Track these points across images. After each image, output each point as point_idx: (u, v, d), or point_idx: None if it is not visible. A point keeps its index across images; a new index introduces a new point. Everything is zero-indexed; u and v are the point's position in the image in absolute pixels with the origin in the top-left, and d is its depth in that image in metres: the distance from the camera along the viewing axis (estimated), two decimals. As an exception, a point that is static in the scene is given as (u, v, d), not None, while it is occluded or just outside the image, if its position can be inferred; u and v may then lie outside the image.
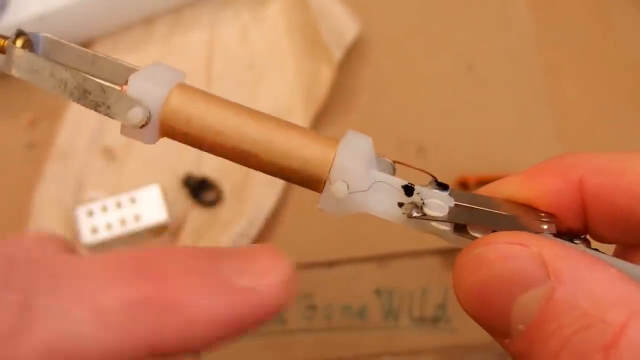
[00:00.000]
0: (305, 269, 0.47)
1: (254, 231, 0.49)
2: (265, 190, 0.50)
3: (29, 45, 0.22)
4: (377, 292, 0.47)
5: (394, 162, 0.22)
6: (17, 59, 0.21)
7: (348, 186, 0.21)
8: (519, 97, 0.54)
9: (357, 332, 0.46)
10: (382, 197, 0.21)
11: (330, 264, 0.48)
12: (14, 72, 0.21)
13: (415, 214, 0.21)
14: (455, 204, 0.22)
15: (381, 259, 0.47)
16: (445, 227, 0.22)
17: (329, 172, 0.21)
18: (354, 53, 0.54)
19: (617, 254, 0.23)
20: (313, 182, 0.21)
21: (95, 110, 0.21)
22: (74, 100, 0.21)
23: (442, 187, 0.22)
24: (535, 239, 0.19)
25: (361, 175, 0.21)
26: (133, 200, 0.49)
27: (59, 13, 0.52)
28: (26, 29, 0.22)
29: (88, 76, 0.21)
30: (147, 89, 0.21)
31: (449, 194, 0.22)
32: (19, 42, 0.22)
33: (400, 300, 0.47)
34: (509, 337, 0.19)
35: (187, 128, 0.21)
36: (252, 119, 0.21)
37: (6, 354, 0.16)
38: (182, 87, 0.21)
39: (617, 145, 0.52)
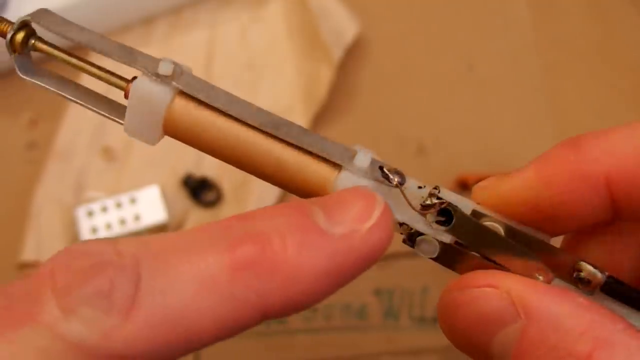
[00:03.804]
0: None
1: (253, 231, 0.49)
2: (265, 190, 0.50)
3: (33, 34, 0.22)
4: (377, 291, 0.47)
5: (397, 185, 0.21)
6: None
7: None
8: (518, 96, 0.54)
9: (357, 332, 0.46)
10: None
11: (330, 263, 0.48)
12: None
13: (407, 242, 0.22)
14: (450, 244, 0.21)
15: (381, 258, 0.47)
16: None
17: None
18: (353, 53, 0.54)
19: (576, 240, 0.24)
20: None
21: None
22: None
23: (446, 222, 0.21)
24: (503, 277, 0.20)
25: None
26: (133, 201, 0.49)
27: (59, 13, 0.52)
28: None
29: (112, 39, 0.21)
30: (153, 86, 0.21)
31: (452, 226, 0.21)
32: (20, 35, 0.21)
33: (400, 300, 0.47)
34: None
35: (193, 127, 0.21)
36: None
37: (121, 329, 0.17)
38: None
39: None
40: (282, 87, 0.54)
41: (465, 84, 0.55)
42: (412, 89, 0.55)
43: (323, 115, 0.53)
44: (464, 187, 0.49)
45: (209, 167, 0.51)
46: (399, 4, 0.58)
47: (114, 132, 0.51)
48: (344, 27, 0.54)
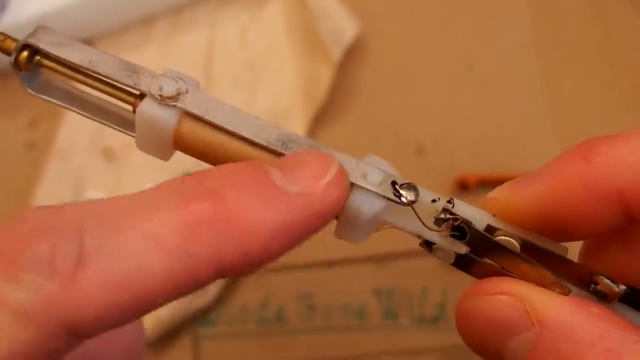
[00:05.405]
0: (305, 269, 0.48)
1: (253, 231, 0.49)
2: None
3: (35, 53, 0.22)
4: (377, 291, 0.47)
5: (411, 202, 0.21)
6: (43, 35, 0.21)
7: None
8: (518, 97, 0.54)
9: (357, 332, 0.46)
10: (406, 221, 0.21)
11: (330, 264, 0.48)
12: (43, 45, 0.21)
13: (424, 247, 0.22)
14: (466, 254, 0.21)
15: (381, 258, 0.47)
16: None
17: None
18: (353, 53, 0.55)
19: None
20: None
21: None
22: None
23: (461, 236, 0.21)
24: (517, 285, 0.20)
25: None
26: (133, 200, 0.49)
27: (59, 13, 0.52)
28: (26, 29, 0.22)
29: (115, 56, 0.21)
30: (158, 109, 0.21)
31: (467, 240, 0.21)
32: (24, 54, 0.21)
33: (399, 299, 0.47)
34: None
35: (202, 146, 0.21)
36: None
37: (67, 293, 0.16)
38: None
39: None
40: (281, 87, 0.54)
41: (465, 84, 0.55)
42: (411, 89, 0.55)
43: (323, 115, 0.53)
44: (463, 187, 0.49)
45: (208, 167, 0.51)
46: (399, 4, 0.58)
47: (114, 132, 0.51)
48: (343, 27, 0.54)
